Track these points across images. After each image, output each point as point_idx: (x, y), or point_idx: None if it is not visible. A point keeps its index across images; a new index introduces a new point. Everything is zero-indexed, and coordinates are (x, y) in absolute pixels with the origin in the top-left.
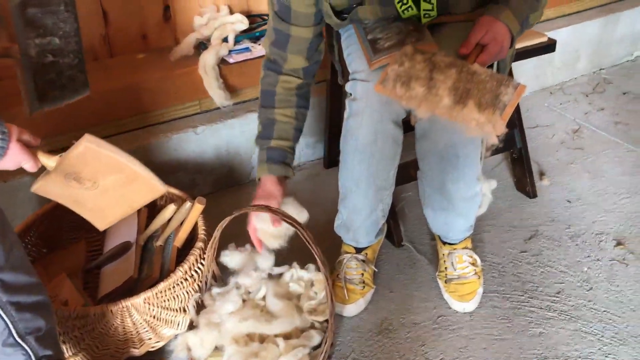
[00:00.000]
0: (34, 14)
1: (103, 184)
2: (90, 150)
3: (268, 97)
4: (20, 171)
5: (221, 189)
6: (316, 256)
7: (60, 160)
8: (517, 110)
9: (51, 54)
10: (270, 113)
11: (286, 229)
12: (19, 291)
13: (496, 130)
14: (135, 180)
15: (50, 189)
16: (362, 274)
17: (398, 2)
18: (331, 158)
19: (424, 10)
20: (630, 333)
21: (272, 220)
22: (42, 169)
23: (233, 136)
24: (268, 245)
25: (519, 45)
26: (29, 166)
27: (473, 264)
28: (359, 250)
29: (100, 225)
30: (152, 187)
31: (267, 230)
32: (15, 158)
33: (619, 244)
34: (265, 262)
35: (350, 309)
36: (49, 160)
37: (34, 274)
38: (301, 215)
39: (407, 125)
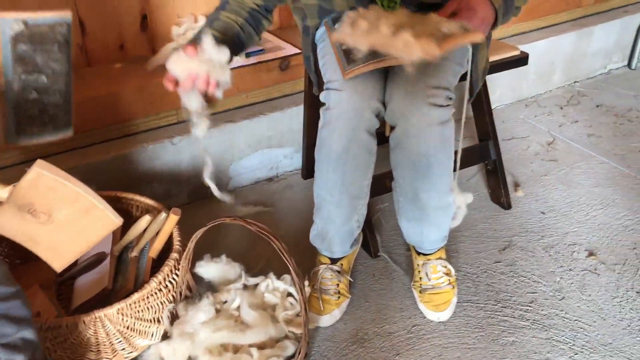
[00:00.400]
0: (25, 50)
1: (58, 218)
2: (42, 177)
3: (218, 7)
4: None
5: (197, 199)
6: (290, 267)
7: (12, 189)
8: (492, 123)
9: (36, 90)
10: (215, 14)
11: (211, 58)
12: None
13: (428, 54)
14: (91, 212)
15: (3, 223)
16: (338, 285)
17: None
18: (309, 169)
19: None
20: (600, 342)
21: (186, 51)
22: None
23: (210, 147)
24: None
25: (492, 58)
26: None
27: (447, 274)
28: (334, 261)
29: (57, 266)
30: (107, 220)
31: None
32: None
33: (590, 254)
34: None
35: (325, 320)
36: (1, 191)
37: (8, 281)
38: (221, 54)
39: (383, 137)
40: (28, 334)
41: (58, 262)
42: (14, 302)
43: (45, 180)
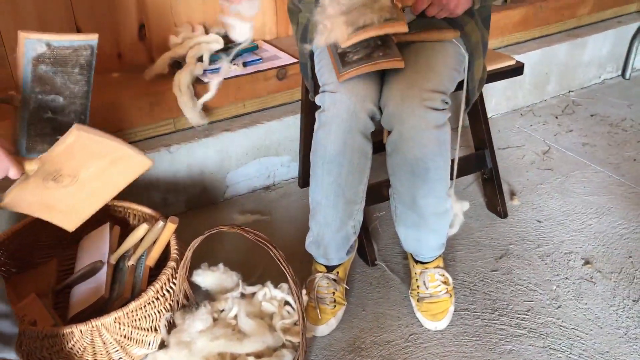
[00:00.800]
0: (46, 71)
1: (84, 176)
2: (81, 138)
3: None
4: None
5: (193, 208)
6: (287, 275)
7: (44, 158)
8: (488, 131)
9: (51, 111)
10: None
11: None
12: None
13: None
14: (121, 160)
15: (23, 198)
16: (334, 293)
17: None
18: (306, 177)
19: None
20: (597, 350)
21: None
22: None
23: (207, 156)
24: None
25: (487, 68)
26: (14, 173)
27: (445, 283)
28: (330, 269)
29: (70, 226)
30: (138, 163)
31: None
32: (2, 165)
33: (587, 262)
34: None
35: (322, 329)
36: (30, 165)
37: (4, 302)
38: None
39: (380, 145)
40: (10, 355)
41: (72, 222)
42: (4, 322)
43: (82, 140)
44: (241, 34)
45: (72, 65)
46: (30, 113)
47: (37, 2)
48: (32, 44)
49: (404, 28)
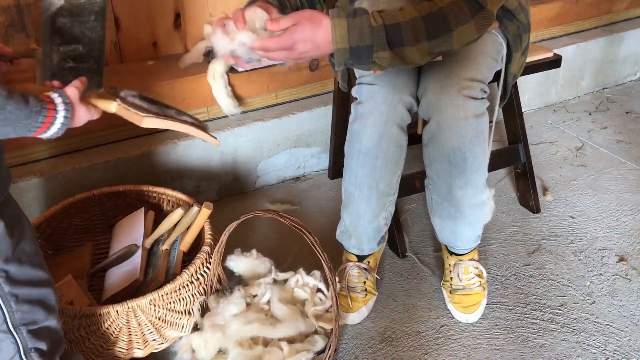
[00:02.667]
0: (64, 23)
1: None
2: (148, 124)
3: None
4: (28, 172)
5: (225, 196)
6: (323, 261)
7: (118, 103)
8: (522, 125)
9: (72, 59)
10: None
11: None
12: (22, 284)
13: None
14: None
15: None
16: (365, 282)
17: None
18: (336, 169)
19: None
20: (632, 347)
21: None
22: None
23: (239, 144)
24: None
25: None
26: (95, 117)
27: (479, 276)
28: (361, 259)
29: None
30: (208, 139)
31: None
32: (82, 118)
33: (621, 259)
34: None
35: (353, 317)
36: (109, 105)
37: (43, 269)
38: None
39: (413, 137)
40: (54, 323)
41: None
42: (47, 289)
43: (149, 124)
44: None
45: (87, 13)
46: (53, 64)
47: None
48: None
49: None
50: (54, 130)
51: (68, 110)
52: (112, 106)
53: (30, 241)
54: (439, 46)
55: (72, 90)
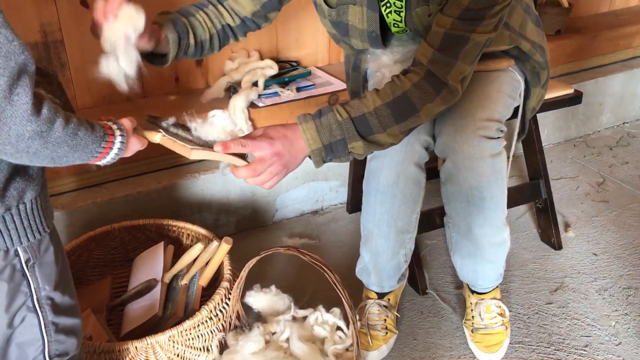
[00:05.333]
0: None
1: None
2: (195, 156)
3: (197, 4)
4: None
5: (244, 230)
6: (343, 299)
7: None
8: (543, 161)
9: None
10: (191, 8)
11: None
12: (62, 313)
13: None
14: None
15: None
16: (385, 320)
17: (383, 6)
18: (354, 203)
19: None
20: None
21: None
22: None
23: None
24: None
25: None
26: (143, 147)
27: (501, 315)
28: (381, 296)
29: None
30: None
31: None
32: (133, 148)
33: None
34: None
35: (373, 356)
36: (154, 137)
37: (75, 297)
38: (138, 17)
39: (433, 172)
40: (79, 354)
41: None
42: (78, 319)
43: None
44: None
45: (50, 78)
46: None
47: None
48: None
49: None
50: (111, 157)
51: (123, 137)
52: (157, 137)
53: (67, 269)
54: (409, 125)
55: (126, 121)
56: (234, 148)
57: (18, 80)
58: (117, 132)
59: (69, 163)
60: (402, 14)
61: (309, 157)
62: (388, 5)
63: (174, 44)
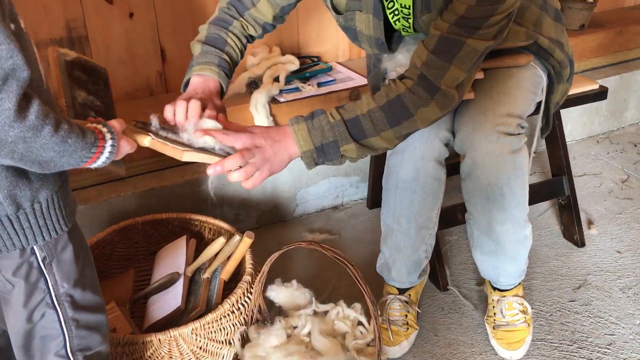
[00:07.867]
0: (80, 75)
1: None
2: (186, 157)
3: (222, 22)
4: None
5: (264, 224)
6: (365, 295)
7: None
8: (566, 157)
9: (92, 110)
10: (221, 32)
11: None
12: (83, 309)
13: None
14: None
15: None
16: (406, 315)
17: (390, 13)
18: (374, 199)
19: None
20: None
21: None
22: None
23: (280, 173)
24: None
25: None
26: (133, 150)
27: (523, 312)
28: (401, 291)
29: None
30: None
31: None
32: (123, 151)
33: None
34: None
35: (395, 351)
36: (143, 140)
37: (100, 294)
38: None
39: (455, 167)
40: (105, 348)
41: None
42: (102, 315)
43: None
44: None
45: (97, 74)
46: (76, 113)
47: (126, 29)
48: (62, 55)
49: None
50: (102, 160)
51: (114, 141)
52: (146, 140)
53: (91, 267)
54: (405, 130)
55: (116, 124)
56: (216, 136)
57: (3, 85)
58: (108, 136)
59: (57, 169)
60: (410, 21)
61: (301, 158)
62: (396, 13)
63: (225, 85)
